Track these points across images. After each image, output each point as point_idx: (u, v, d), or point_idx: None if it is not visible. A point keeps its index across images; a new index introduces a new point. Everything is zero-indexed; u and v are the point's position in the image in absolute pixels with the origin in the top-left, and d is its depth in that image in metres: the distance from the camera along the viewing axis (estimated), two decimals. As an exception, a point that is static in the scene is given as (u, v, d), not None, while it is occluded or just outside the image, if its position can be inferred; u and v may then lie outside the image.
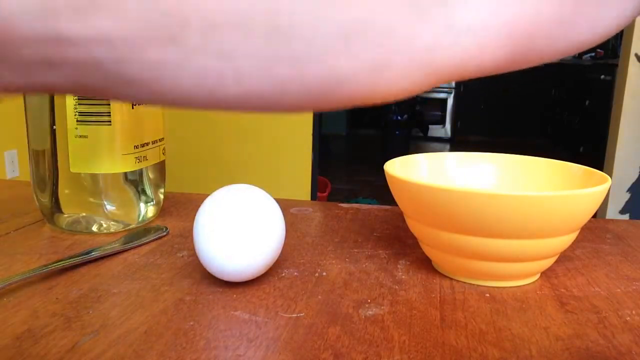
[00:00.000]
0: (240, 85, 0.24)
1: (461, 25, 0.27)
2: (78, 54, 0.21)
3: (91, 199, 0.49)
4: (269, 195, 0.39)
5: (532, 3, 0.28)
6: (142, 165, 0.50)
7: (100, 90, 0.23)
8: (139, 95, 0.23)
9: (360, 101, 0.27)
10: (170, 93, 0.23)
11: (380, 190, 3.52)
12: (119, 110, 0.47)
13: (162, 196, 0.55)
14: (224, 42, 0.23)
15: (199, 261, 0.39)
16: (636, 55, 2.34)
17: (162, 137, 0.53)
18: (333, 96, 0.27)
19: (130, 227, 0.50)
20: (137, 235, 0.47)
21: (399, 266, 0.43)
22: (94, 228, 0.49)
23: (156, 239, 0.48)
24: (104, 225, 0.49)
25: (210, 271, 0.38)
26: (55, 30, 0.20)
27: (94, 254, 0.42)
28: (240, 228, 0.36)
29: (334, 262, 0.44)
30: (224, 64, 0.24)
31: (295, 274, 0.41)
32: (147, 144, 0.50)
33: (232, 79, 0.24)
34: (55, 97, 0.47)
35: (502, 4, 0.27)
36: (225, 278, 0.38)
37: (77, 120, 0.46)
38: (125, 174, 0.49)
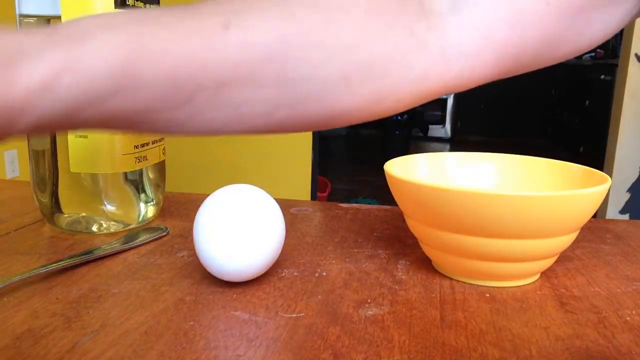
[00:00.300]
0: (243, 125, 0.25)
1: (455, 51, 0.28)
2: (95, 126, 0.22)
3: (91, 199, 0.49)
4: (269, 195, 0.39)
5: (520, 28, 0.28)
6: (142, 165, 0.50)
7: (118, 131, 0.24)
8: (155, 134, 0.24)
9: (353, 123, 0.28)
10: (181, 134, 0.24)
11: (380, 190, 3.52)
12: (119, 110, 0.47)
13: (162, 196, 0.55)
14: (231, 97, 0.24)
15: (199, 261, 0.39)
16: (636, 55, 2.34)
17: (162, 137, 0.53)
18: (329, 125, 0.28)
19: (130, 227, 0.50)
20: (137, 235, 0.47)
21: (399, 266, 0.43)
22: (94, 228, 0.49)
23: (156, 239, 0.48)
24: (104, 225, 0.49)
25: (210, 271, 0.38)
26: (78, 119, 0.21)
27: (94, 254, 0.42)
28: (240, 228, 0.36)
29: (334, 262, 0.44)
30: (229, 113, 0.25)
31: (295, 274, 0.41)
32: (147, 144, 0.50)
33: (237, 123, 0.25)
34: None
35: (493, 30, 0.28)
36: (225, 278, 0.38)
37: (77, 120, 0.46)
38: (125, 174, 0.49)
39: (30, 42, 0.19)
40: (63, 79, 0.19)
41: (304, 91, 0.25)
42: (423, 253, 0.46)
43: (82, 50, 0.20)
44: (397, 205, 0.44)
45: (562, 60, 0.31)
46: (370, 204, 0.61)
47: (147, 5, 0.49)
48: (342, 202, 0.61)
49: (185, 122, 0.23)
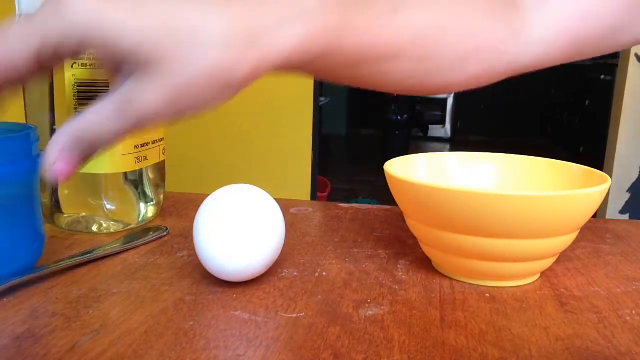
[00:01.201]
0: (380, 85, 0.32)
1: (536, 40, 0.34)
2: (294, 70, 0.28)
3: (91, 199, 0.49)
4: (269, 195, 0.39)
5: (585, 21, 0.34)
6: (142, 165, 0.50)
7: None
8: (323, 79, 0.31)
9: (450, 92, 0.36)
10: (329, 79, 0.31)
11: (380, 190, 3.52)
12: (119, 110, 0.47)
13: (162, 196, 0.55)
14: (383, 67, 0.31)
15: (199, 261, 0.39)
16: (636, 55, 2.33)
17: (162, 137, 0.53)
18: (434, 93, 0.35)
19: (130, 227, 0.50)
20: (137, 235, 0.47)
21: (399, 266, 0.43)
22: (94, 228, 0.49)
23: (156, 239, 0.48)
24: (104, 225, 0.49)
25: (210, 271, 0.38)
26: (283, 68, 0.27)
27: (94, 254, 0.42)
28: (240, 228, 0.36)
29: (334, 262, 0.44)
30: (376, 78, 0.32)
31: (295, 274, 0.41)
32: (147, 144, 0.50)
33: (374, 83, 0.32)
34: (55, 97, 0.47)
35: (564, 23, 0.34)
36: (225, 278, 0.38)
37: (77, 120, 0.46)
38: (125, 174, 0.49)
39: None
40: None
41: (433, 66, 0.31)
42: (423, 253, 0.46)
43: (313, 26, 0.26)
44: (397, 205, 0.44)
45: (624, 48, 0.37)
46: (370, 204, 0.61)
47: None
48: (342, 202, 0.61)
49: (340, 78, 0.31)
